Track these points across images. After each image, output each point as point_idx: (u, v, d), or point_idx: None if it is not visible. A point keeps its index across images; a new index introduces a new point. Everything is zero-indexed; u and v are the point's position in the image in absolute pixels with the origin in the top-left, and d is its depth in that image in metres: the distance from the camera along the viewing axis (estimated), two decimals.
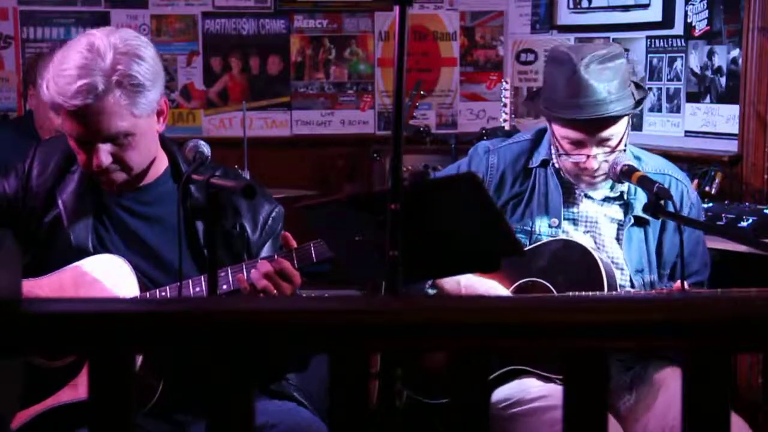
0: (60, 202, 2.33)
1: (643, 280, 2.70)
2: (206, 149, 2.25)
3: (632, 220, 2.70)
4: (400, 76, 1.51)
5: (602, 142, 2.63)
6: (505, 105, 4.72)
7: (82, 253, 2.29)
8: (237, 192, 2.13)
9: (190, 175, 2.18)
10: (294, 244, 2.24)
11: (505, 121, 4.70)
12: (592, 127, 2.61)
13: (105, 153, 2.22)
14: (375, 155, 5.04)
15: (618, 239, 2.71)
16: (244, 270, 2.23)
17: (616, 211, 2.74)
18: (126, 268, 2.25)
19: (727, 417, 1.15)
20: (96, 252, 2.30)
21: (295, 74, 5.31)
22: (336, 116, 5.35)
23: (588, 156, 2.64)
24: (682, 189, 2.77)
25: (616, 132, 2.63)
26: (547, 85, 2.74)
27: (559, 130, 2.67)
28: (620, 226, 2.72)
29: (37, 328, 1.10)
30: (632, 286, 2.68)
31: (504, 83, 4.81)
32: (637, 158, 2.77)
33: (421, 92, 5.02)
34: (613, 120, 2.61)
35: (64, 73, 2.18)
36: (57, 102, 2.18)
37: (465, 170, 2.81)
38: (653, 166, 2.78)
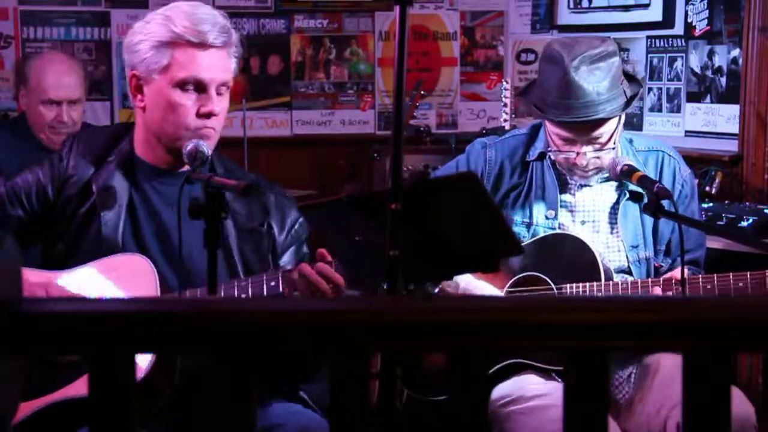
0: (95, 192, 2.34)
1: (638, 256, 2.73)
2: (206, 149, 2.25)
3: (627, 195, 2.74)
4: (400, 76, 1.52)
5: (592, 141, 2.68)
6: (505, 105, 4.72)
7: (112, 245, 2.30)
8: (237, 191, 2.13)
9: (190, 174, 2.19)
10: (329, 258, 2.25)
11: (505, 121, 4.70)
12: (582, 127, 2.65)
13: (216, 99, 2.30)
14: (375, 155, 5.03)
15: (614, 220, 2.75)
16: (264, 282, 2.24)
17: (612, 192, 2.78)
18: (149, 270, 2.24)
19: (727, 417, 1.15)
20: (125, 245, 2.31)
21: (296, 74, 5.31)
22: (336, 116, 5.35)
23: (577, 153, 2.68)
24: (675, 165, 2.81)
25: (606, 130, 2.67)
26: (539, 82, 2.76)
27: (551, 127, 2.72)
28: (616, 203, 2.76)
29: (37, 328, 1.10)
30: (627, 263, 2.72)
31: (504, 83, 4.81)
32: (629, 140, 2.82)
33: (422, 92, 5.02)
34: (603, 120, 2.64)
35: (200, 14, 2.28)
36: (185, 38, 2.25)
37: (464, 167, 2.85)
38: (645, 144, 2.84)
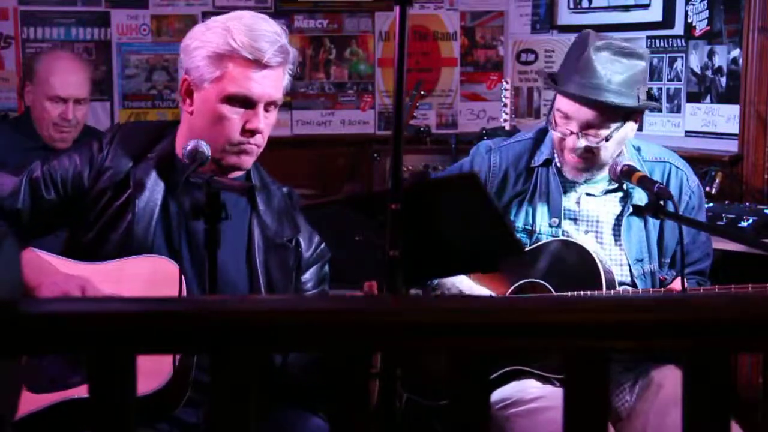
0: (132, 186, 2.32)
1: (643, 270, 2.69)
2: (206, 149, 2.25)
3: (631, 209, 2.69)
4: (400, 76, 1.51)
5: (587, 128, 2.62)
6: (505, 105, 4.72)
7: (141, 242, 2.29)
8: (237, 191, 2.14)
9: (188, 175, 2.19)
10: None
11: (505, 121, 4.70)
12: (582, 103, 2.59)
13: (262, 117, 2.29)
14: (375, 155, 5.03)
15: (618, 232, 2.71)
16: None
17: (616, 204, 2.74)
18: (176, 275, 2.22)
19: (727, 417, 1.15)
20: (155, 245, 2.30)
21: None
22: (336, 116, 5.34)
23: (571, 132, 2.63)
24: (682, 177, 2.76)
25: (603, 123, 2.61)
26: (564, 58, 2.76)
27: (556, 102, 2.68)
28: (620, 217, 2.72)
29: (37, 328, 1.10)
30: (632, 277, 2.68)
31: (504, 83, 4.81)
32: (637, 148, 2.77)
33: (422, 92, 5.02)
34: (604, 110, 2.59)
35: (260, 30, 2.26)
36: (242, 53, 2.24)
37: (468, 168, 2.82)
38: (653, 154, 2.78)
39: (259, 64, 2.25)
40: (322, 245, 2.44)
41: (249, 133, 2.28)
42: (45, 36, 4.95)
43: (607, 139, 2.62)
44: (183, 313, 1.13)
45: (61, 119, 3.67)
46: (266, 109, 2.30)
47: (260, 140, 2.31)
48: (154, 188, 2.33)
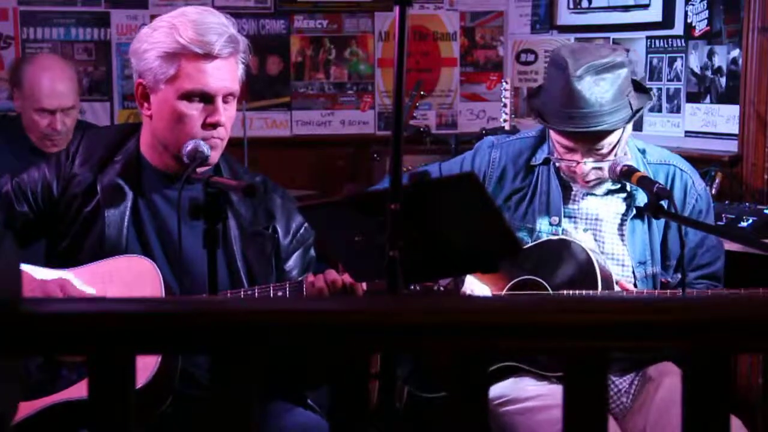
0: (100, 191, 2.34)
1: (645, 272, 2.69)
2: (206, 149, 2.26)
3: (635, 212, 2.69)
4: (400, 76, 1.51)
5: (592, 151, 2.63)
6: (505, 105, 4.72)
7: (114, 245, 2.30)
8: (237, 191, 2.14)
9: (189, 175, 2.20)
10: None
11: (505, 121, 4.70)
12: (583, 138, 2.61)
13: (222, 110, 2.30)
14: (375, 155, 5.03)
15: (621, 233, 2.71)
16: (271, 291, 2.25)
17: (618, 204, 2.73)
18: (153, 272, 2.24)
19: (727, 417, 1.15)
20: (128, 246, 2.31)
21: (295, 74, 5.31)
22: (336, 116, 5.34)
23: (577, 162, 2.64)
24: (687, 180, 2.74)
25: (608, 142, 2.62)
26: (544, 87, 2.74)
27: (553, 135, 2.69)
28: (623, 218, 2.72)
29: (37, 328, 1.10)
30: (634, 278, 2.68)
31: (504, 83, 4.81)
32: (641, 151, 2.77)
33: (421, 92, 5.02)
34: (605, 132, 2.59)
35: (207, 24, 2.27)
36: (191, 49, 2.24)
37: (469, 163, 2.84)
38: (657, 157, 2.77)
39: (209, 56, 2.26)
40: (302, 230, 2.45)
41: (211, 126, 2.29)
42: (45, 36, 4.95)
43: (614, 157, 2.65)
44: (183, 313, 1.13)
45: (50, 129, 3.66)
46: (225, 101, 2.31)
47: (223, 133, 2.32)
48: (123, 191, 2.34)
